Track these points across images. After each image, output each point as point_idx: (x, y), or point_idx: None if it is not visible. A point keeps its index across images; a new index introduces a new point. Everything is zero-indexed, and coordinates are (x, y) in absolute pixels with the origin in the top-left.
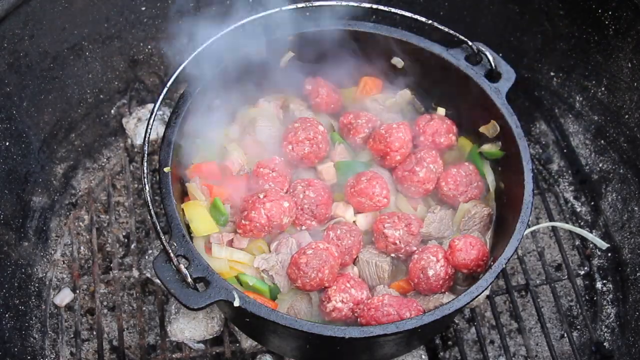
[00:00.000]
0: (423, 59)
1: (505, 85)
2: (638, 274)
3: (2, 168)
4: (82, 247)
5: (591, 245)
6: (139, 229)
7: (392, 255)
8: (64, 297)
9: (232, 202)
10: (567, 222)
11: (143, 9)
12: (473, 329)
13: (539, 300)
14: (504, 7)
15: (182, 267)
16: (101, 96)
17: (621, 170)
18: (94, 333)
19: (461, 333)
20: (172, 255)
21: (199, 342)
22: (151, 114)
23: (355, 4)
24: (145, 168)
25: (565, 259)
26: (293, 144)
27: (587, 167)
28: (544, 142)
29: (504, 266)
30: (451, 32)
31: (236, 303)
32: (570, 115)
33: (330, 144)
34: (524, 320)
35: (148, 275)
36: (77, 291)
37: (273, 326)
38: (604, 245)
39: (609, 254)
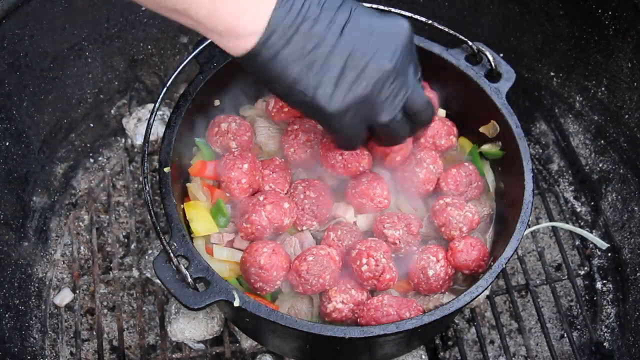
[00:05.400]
0: (423, 59)
1: (505, 85)
2: (638, 274)
3: (2, 168)
4: (82, 247)
5: (591, 245)
6: (139, 229)
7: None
8: (64, 297)
9: (232, 203)
10: (567, 222)
11: (143, 9)
12: (473, 329)
13: (539, 300)
14: (504, 7)
15: (182, 267)
16: (101, 96)
17: (621, 170)
18: (94, 333)
19: (461, 333)
20: (172, 255)
21: (199, 342)
22: (151, 114)
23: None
24: (145, 168)
25: (565, 259)
26: (295, 147)
27: (587, 167)
28: (544, 142)
29: (504, 266)
30: (451, 32)
31: (236, 303)
32: (570, 115)
33: None
34: (524, 320)
35: (148, 275)
36: (77, 291)
37: (273, 326)
38: (604, 245)
39: (609, 254)
